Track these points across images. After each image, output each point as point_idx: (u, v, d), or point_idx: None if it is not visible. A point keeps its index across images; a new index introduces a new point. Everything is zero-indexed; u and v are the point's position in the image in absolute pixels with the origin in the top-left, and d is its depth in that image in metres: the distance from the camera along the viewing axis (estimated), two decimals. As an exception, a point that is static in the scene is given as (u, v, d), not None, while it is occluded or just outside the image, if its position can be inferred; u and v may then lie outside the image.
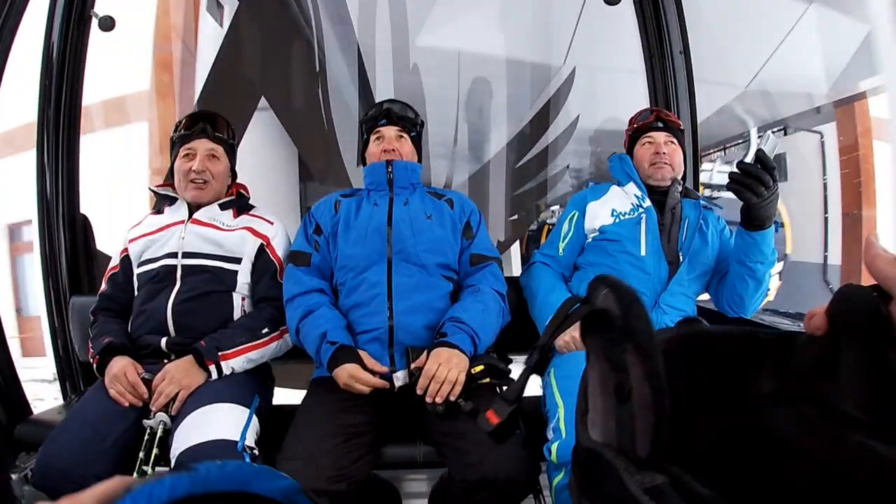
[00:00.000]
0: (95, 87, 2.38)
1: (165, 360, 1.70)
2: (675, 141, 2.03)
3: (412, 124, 1.97)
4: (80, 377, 2.34)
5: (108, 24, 2.30)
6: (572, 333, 1.76)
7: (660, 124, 2.04)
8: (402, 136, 1.93)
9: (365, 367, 1.61)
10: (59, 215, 2.24)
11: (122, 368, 1.63)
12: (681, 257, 1.91)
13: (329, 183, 2.74)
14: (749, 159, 1.69)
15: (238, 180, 2.06)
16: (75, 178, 2.31)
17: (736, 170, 1.69)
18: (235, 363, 1.70)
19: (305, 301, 1.75)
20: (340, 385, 1.61)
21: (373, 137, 1.94)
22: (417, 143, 1.99)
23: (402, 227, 1.80)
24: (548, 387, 1.71)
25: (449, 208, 1.91)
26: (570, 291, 1.93)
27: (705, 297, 2.07)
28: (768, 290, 1.93)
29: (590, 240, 1.99)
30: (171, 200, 1.94)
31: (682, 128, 2.08)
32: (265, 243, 1.89)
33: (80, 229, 2.29)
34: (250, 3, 2.68)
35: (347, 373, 1.59)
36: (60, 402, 2.39)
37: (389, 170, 1.88)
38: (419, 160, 2.00)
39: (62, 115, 2.27)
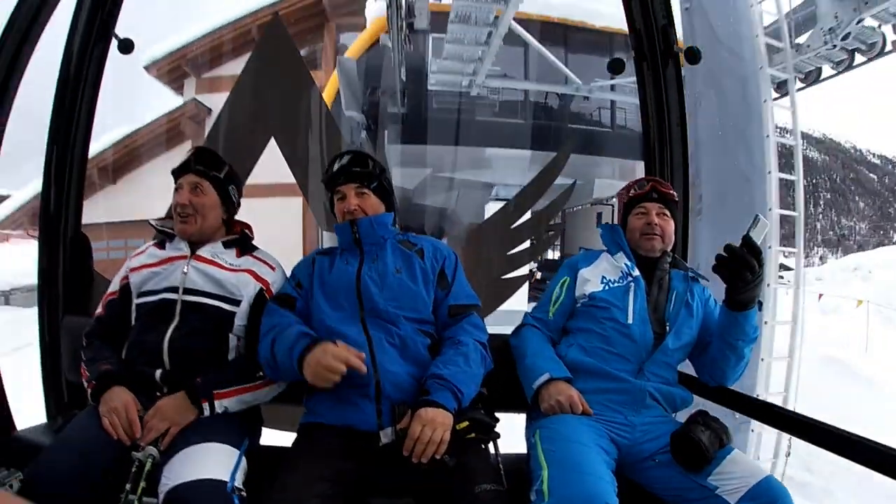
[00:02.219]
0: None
1: (158, 393, 1.73)
2: (667, 213, 2.09)
3: (371, 177, 1.95)
4: (67, 396, 2.34)
5: (127, 46, 2.34)
6: (558, 398, 1.82)
7: (654, 195, 2.09)
8: (363, 192, 1.93)
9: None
10: (61, 232, 2.26)
11: (123, 404, 1.64)
12: (667, 328, 1.96)
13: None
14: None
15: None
16: (80, 197, 2.32)
17: (724, 253, 1.74)
18: (229, 403, 1.73)
19: (283, 323, 1.78)
20: (309, 375, 1.62)
21: (336, 197, 1.96)
22: (382, 191, 1.98)
23: (370, 286, 1.82)
24: (533, 448, 1.75)
25: (419, 259, 1.92)
26: (559, 354, 1.98)
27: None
28: (748, 362, 2.00)
29: (579, 305, 2.04)
30: (171, 236, 1.98)
31: (676, 199, 2.14)
32: (265, 288, 1.93)
33: (80, 249, 2.30)
34: (262, 48, 2.75)
35: (321, 349, 1.61)
36: (44, 419, 2.38)
37: (355, 229, 1.90)
38: (390, 206, 2.01)
39: (74, 132, 2.30)
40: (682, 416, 1.96)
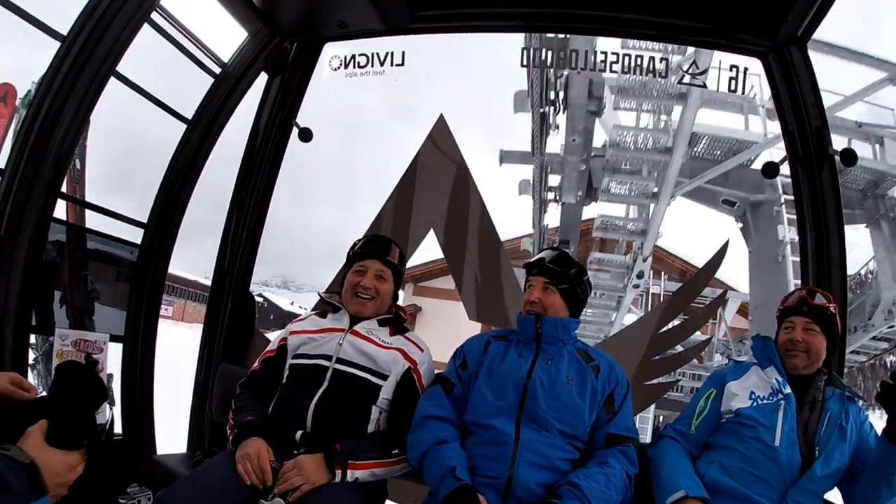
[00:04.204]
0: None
1: (295, 452, 1.83)
2: (816, 328, 1.96)
3: (562, 277, 1.98)
4: (208, 436, 2.57)
5: (306, 134, 2.66)
6: None
7: (804, 308, 1.99)
8: (548, 288, 1.96)
9: None
10: (230, 288, 2.54)
11: (256, 450, 1.77)
12: (817, 452, 1.82)
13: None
14: None
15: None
16: (252, 259, 2.63)
17: (889, 380, 1.64)
18: (361, 474, 1.81)
19: (441, 428, 1.84)
20: None
21: (527, 285, 2.02)
22: (572, 296, 2.00)
23: (538, 389, 1.84)
24: None
25: (593, 376, 1.90)
26: (697, 471, 1.88)
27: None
28: None
29: (724, 420, 1.95)
30: (335, 308, 2.14)
31: (830, 312, 2.00)
32: (412, 367, 2.03)
33: (245, 307, 2.57)
34: (430, 143, 3.03)
35: None
36: (184, 450, 2.62)
37: (539, 325, 1.93)
38: (575, 313, 2.01)
39: (253, 203, 2.62)
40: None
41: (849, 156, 2.44)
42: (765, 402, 1.91)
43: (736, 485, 1.81)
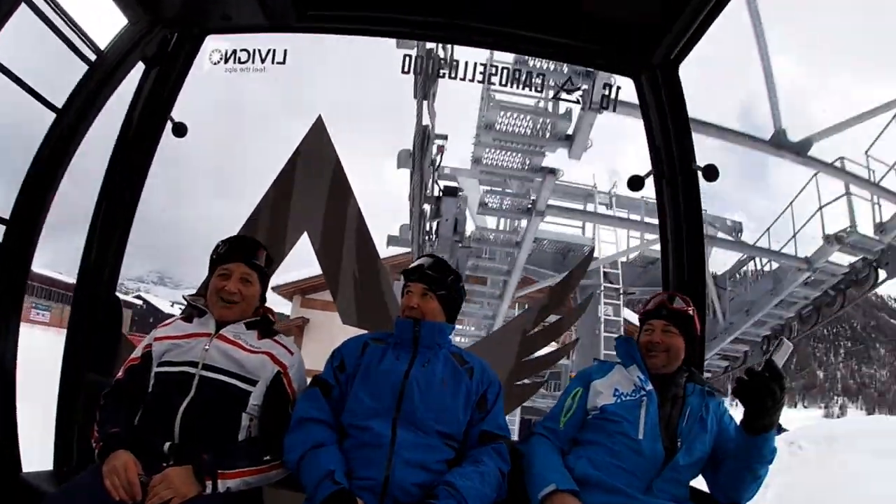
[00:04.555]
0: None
1: (164, 464, 1.74)
2: (675, 330, 2.10)
3: (440, 283, 2.03)
4: (75, 450, 2.38)
5: (181, 130, 2.53)
6: None
7: (663, 312, 2.13)
8: (427, 294, 2.01)
9: None
10: (94, 293, 2.36)
11: (123, 464, 1.67)
12: (679, 444, 1.94)
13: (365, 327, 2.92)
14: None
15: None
16: (119, 262, 2.45)
17: (744, 376, 1.77)
18: (232, 483, 1.74)
19: (319, 431, 1.82)
20: None
21: (406, 291, 2.05)
22: (449, 301, 2.06)
23: (414, 391, 1.87)
24: None
25: (468, 378, 1.97)
26: (567, 465, 1.96)
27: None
28: (763, 480, 1.95)
29: (590, 417, 2.04)
30: (201, 312, 2.05)
31: (688, 314, 2.15)
32: (282, 371, 1.98)
33: (111, 311, 2.39)
34: (306, 153, 3.00)
35: None
36: (50, 466, 2.42)
37: (416, 328, 1.97)
38: (451, 318, 2.08)
39: (123, 198, 2.45)
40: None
41: (711, 171, 2.65)
42: (628, 398, 2.02)
43: (603, 477, 1.90)
